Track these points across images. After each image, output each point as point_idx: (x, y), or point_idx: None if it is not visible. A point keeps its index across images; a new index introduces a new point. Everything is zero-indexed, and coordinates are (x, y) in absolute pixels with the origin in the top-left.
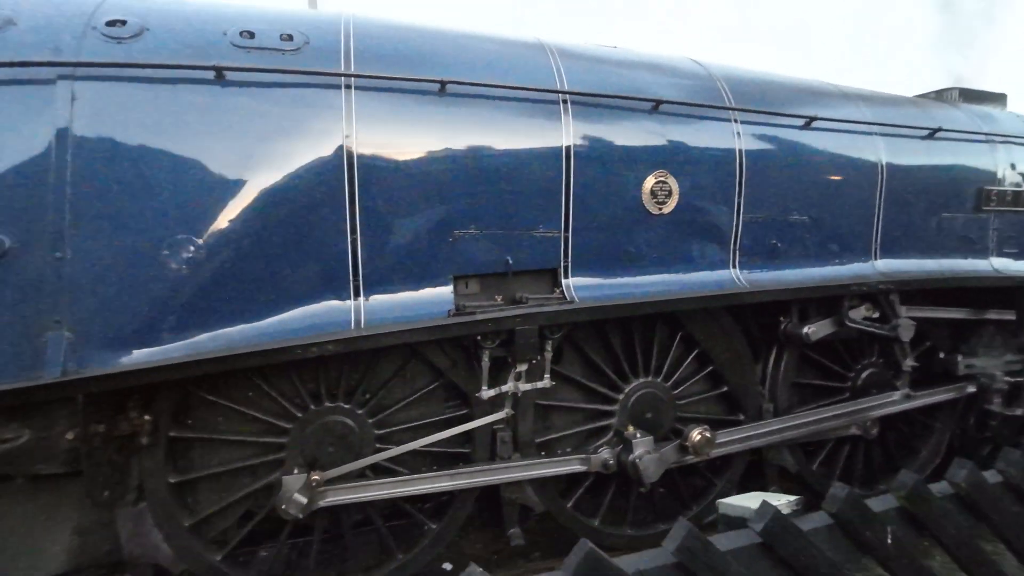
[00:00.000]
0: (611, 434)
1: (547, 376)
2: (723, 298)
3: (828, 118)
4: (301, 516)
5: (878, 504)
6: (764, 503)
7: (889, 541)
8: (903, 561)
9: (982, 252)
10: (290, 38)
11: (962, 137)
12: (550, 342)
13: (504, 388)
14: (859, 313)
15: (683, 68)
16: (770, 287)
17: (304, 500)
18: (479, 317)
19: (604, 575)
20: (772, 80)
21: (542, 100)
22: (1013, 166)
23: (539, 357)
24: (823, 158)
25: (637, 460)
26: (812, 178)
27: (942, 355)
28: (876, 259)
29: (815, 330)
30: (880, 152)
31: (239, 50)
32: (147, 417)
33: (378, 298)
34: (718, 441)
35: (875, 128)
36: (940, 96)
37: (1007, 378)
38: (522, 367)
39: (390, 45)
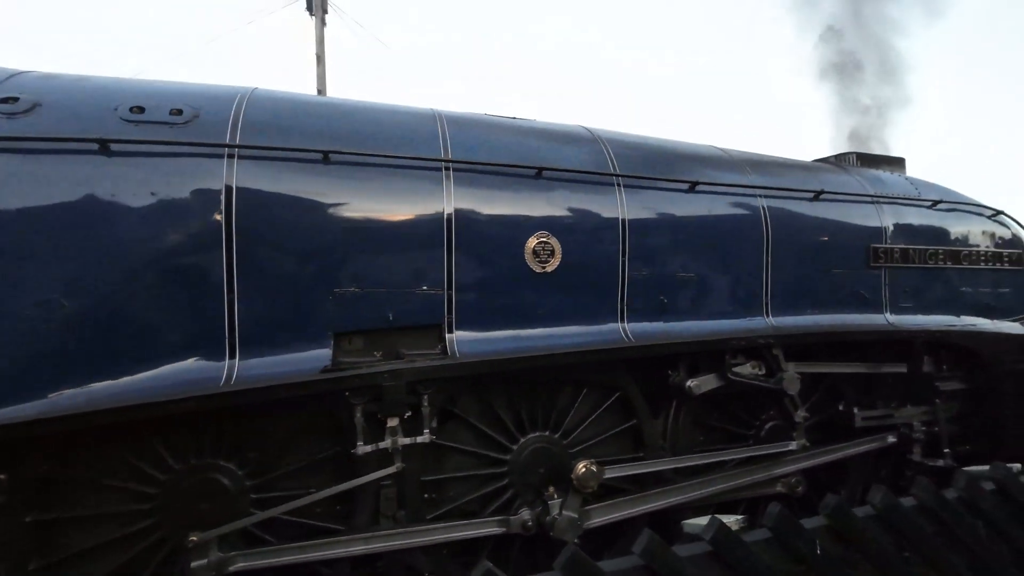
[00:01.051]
0: (509, 493)
1: (427, 431)
2: (593, 354)
3: (711, 182)
4: None
5: (809, 522)
6: (713, 518)
7: (818, 552)
8: (830, 569)
9: (876, 307)
10: (179, 112)
11: (847, 199)
12: (426, 396)
13: (381, 445)
14: (746, 368)
15: (572, 135)
16: (653, 341)
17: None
18: (344, 373)
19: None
20: (659, 146)
21: (425, 167)
22: (899, 225)
23: (408, 413)
24: (708, 219)
25: (556, 518)
26: (698, 238)
27: (841, 408)
28: (768, 315)
29: (698, 384)
30: (765, 213)
31: (128, 124)
32: (2, 476)
33: (254, 357)
34: (608, 475)
35: (759, 191)
36: (839, 160)
37: (924, 428)
38: (392, 422)
39: (280, 117)
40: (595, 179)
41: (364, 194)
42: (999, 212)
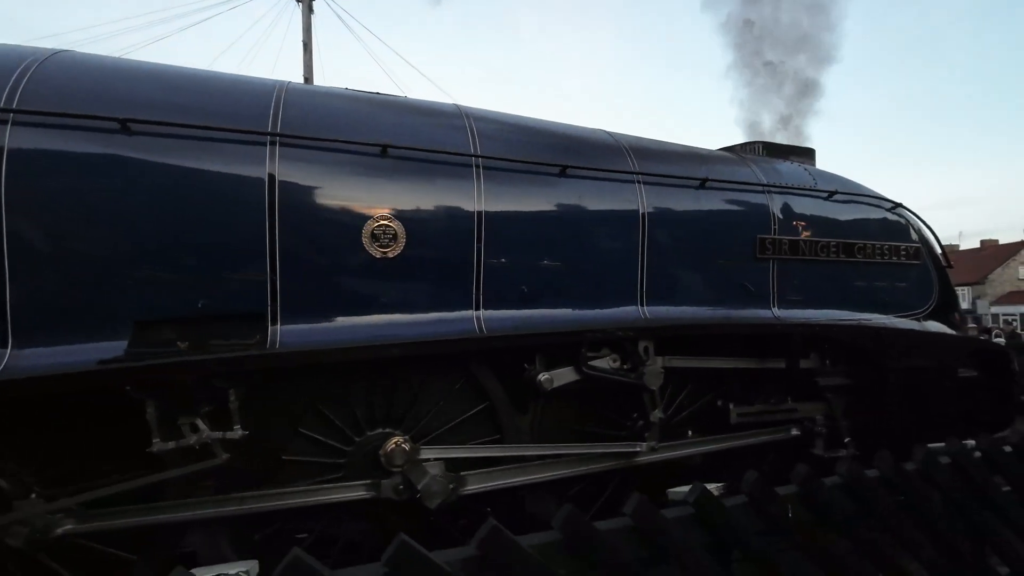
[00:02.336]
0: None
1: (237, 427)
2: (422, 346)
3: (585, 167)
4: None
5: (783, 490)
6: (696, 484)
7: (789, 515)
8: (800, 532)
9: (763, 301)
10: None
11: (735, 188)
12: (232, 391)
13: (183, 442)
14: (605, 362)
15: (436, 110)
16: (512, 332)
17: None
18: (114, 367)
19: (419, 565)
20: (535, 128)
21: (248, 142)
22: (790, 216)
23: (207, 409)
24: (579, 206)
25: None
26: (567, 225)
27: (719, 403)
28: (643, 306)
29: (549, 378)
30: (642, 201)
31: None
32: None
33: (33, 346)
34: (424, 456)
35: (638, 177)
36: (743, 149)
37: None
38: (193, 419)
39: (75, 81)
40: (451, 159)
41: (173, 166)
42: (898, 205)
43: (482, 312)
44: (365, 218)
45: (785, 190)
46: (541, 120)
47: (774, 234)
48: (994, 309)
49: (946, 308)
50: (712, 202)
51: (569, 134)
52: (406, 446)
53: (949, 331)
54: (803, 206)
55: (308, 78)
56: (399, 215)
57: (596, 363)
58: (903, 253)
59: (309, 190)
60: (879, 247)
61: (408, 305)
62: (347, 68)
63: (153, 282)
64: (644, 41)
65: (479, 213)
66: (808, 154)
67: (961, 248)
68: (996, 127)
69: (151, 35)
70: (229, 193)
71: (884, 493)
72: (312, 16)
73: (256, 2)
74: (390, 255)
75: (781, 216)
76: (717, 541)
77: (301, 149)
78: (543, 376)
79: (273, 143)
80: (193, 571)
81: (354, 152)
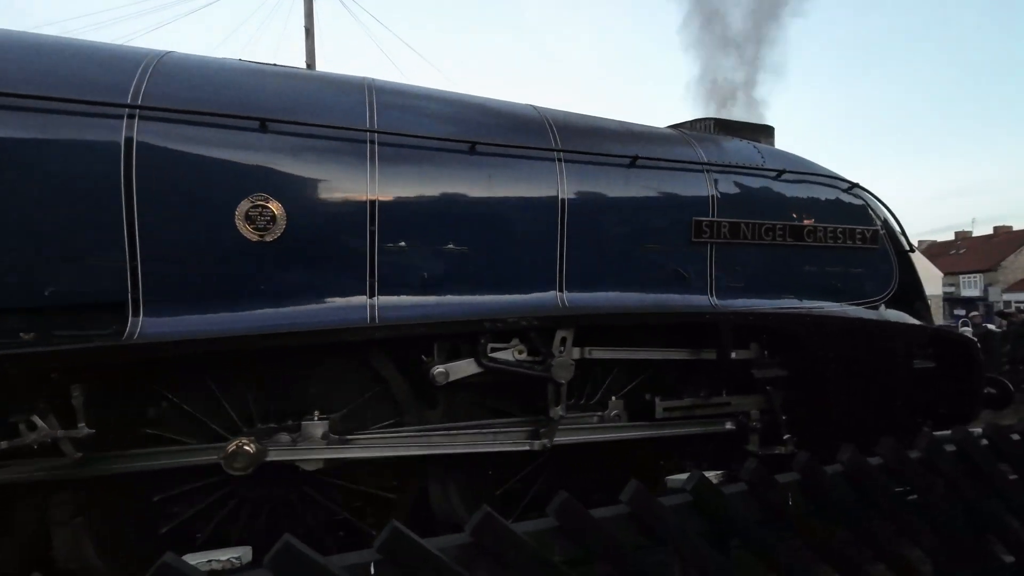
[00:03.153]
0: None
1: (82, 424)
2: (300, 336)
3: (497, 143)
4: None
5: (783, 477)
6: (694, 471)
7: (790, 503)
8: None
9: (699, 287)
10: None
11: (669, 166)
12: (78, 387)
13: (16, 441)
14: (509, 353)
15: (333, 81)
16: (410, 320)
17: None
18: None
19: (412, 552)
20: (437, 98)
21: (101, 114)
22: (731, 197)
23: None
24: (489, 186)
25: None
26: (474, 206)
27: (648, 397)
28: (562, 292)
29: (443, 371)
30: (562, 180)
31: None
32: None
33: None
34: (272, 459)
35: (558, 155)
36: (692, 126)
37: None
38: (21, 416)
39: None
40: (341, 135)
41: (9, 139)
42: (854, 185)
43: (377, 300)
44: (239, 198)
45: (727, 169)
46: (454, 93)
47: (712, 216)
48: (1006, 296)
49: (908, 295)
50: (643, 182)
51: (486, 108)
52: (250, 447)
53: (909, 319)
54: (747, 186)
55: (311, 64)
56: (279, 195)
57: (499, 355)
58: (859, 237)
59: (173, 166)
60: (832, 230)
61: (291, 293)
62: (351, 55)
63: None
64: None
65: (374, 190)
66: (765, 132)
67: (974, 235)
68: (1012, 112)
69: (151, 22)
70: (79, 164)
71: (886, 481)
72: (314, 2)
73: None
74: (268, 238)
75: (721, 197)
76: (716, 529)
77: (164, 123)
78: (437, 369)
79: (132, 116)
80: (185, 557)
81: (227, 126)
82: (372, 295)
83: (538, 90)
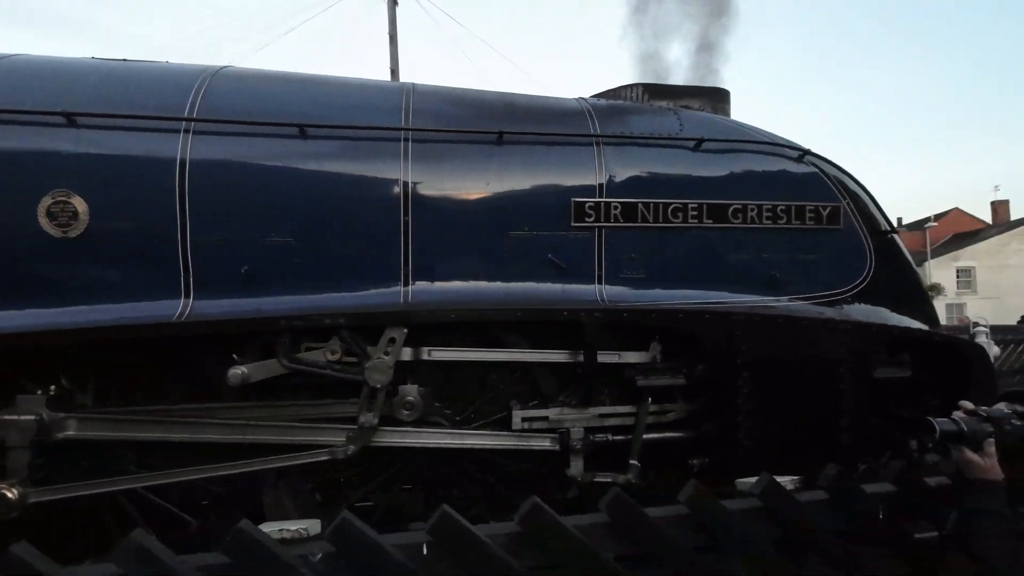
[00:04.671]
0: None
1: None
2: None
3: (330, 124)
4: None
5: (871, 488)
6: (764, 474)
7: (880, 517)
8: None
9: (584, 278)
10: None
11: (546, 140)
12: None
13: None
14: (320, 353)
15: (158, 72)
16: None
17: None
18: None
19: (461, 536)
20: (269, 77)
21: None
22: (627, 173)
23: None
24: (319, 170)
25: None
26: (301, 193)
27: (513, 404)
28: (408, 287)
29: (238, 373)
30: (406, 163)
31: None
32: None
33: None
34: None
35: (403, 135)
36: (615, 94)
37: (595, 437)
38: None
39: None
40: (154, 125)
41: None
42: (806, 153)
43: (192, 300)
44: (42, 193)
45: (625, 141)
46: (292, 73)
47: (601, 195)
48: None
49: (893, 288)
50: (513, 159)
51: (328, 83)
52: (10, 493)
53: (890, 318)
54: (653, 160)
55: (394, 70)
56: (81, 189)
57: (308, 355)
58: (811, 216)
59: None
60: (771, 209)
61: (99, 291)
62: (437, 59)
63: None
64: None
65: (182, 180)
66: (714, 97)
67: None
68: None
69: (253, 43)
70: None
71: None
72: (396, 8)
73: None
74: (71, 235)
75: (612, 174)
76: (787, 537)
77: None
78: (233, 371)
79: None
80: (260, 526)
81: (28, 123)
82: (187, 294)
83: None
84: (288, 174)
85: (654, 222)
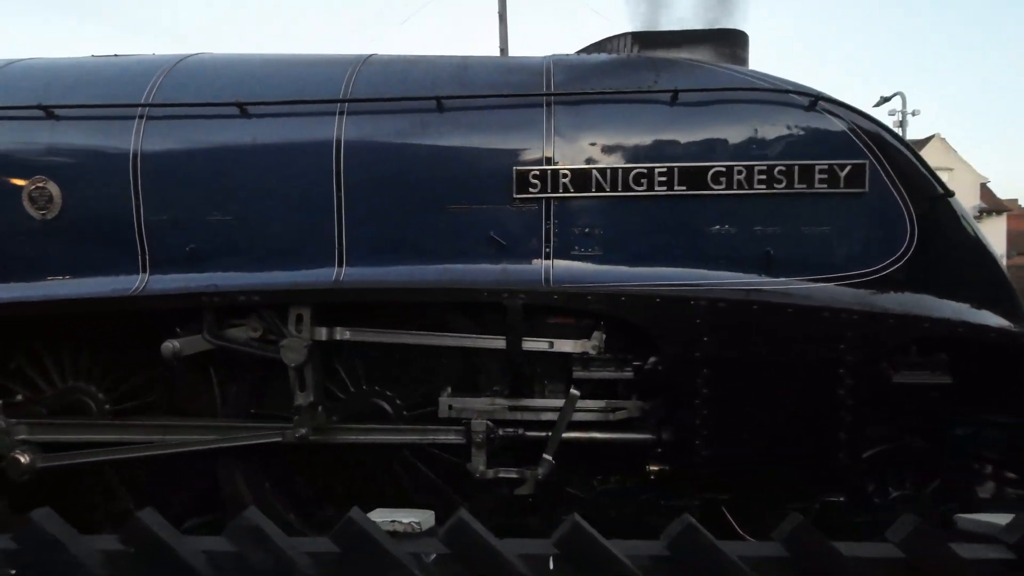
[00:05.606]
0: None
1: None
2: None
3: (267, 102)
4: None
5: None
6: (1018, 516)
7: None
8: None
9: (530, 255)
10: None
11: (485, 104)
12: None
13: None
14: (243, 330)
15: (114, 65)
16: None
17: None
18: None
19: (591, 551)
20: (207, 63)
21: None
22: (582, 135)
23: None
24: (257, 148)
25: None
26: (240, 172)
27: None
28: (343, 266)
29: (171, 346)
30: (340, 136)
31: None
32: None
33: None
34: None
35: (339, 107)
36: (599, 47)
37: (503, 431)
38: None
39: None
40: (112, 113)
41: None
42: (818, 99)
43: (148, 275)
44: (26, 179)
45: (585, 96)
46: (234, 55)
47: (548, 163)
48: None
49: (945, 266)
50: (453, 128)
51: (270, 64)
52: (23, 459)
53: (941, 307)
54: (617, 118)
55: (504, 48)
56: (55, 175)
57: (233, 332)
58: (823, 177)
59: None
60: (765, 170)
61: (80, 268)
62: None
63: None
64: None
65: (136, 162)
66: (725, 42)
67: None
68: None
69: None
70: None
71: None
72: None
73: None
74: (48, 216)
75: (565, 137)
76: None
77: None
78: (166, 345)
79: None
80: (369, 514)
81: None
82: (144, 270)
83: None
84: (228, 152)
85: (612, 191)
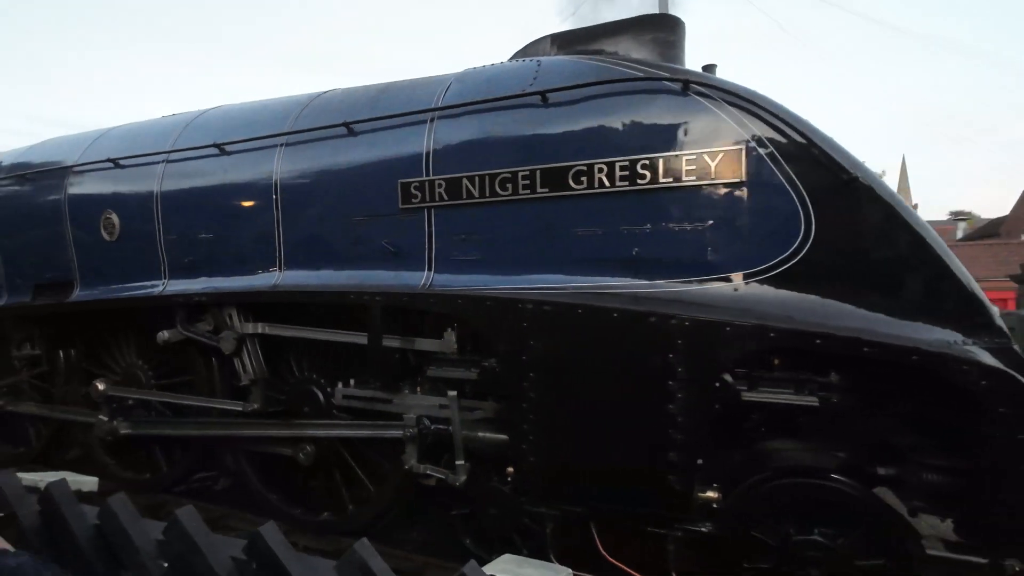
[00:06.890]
0: None
1: None
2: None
3: (239, 139)
4: None
5: None
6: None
7: None
8: None
9: (417, 263)
10: None
11: (380, 125)
12: None
13: None
14: (204, 324)
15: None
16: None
17: None
18: None
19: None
20: (224, 114)
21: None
22: (454, 145)
23: None
24: (227, 178)
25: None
26: (218, 196)
27: (350, 384)
28: (282, 272)
29: (163, 335)
30: (278, 163)
31: None
32: None
33: None
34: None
35: (279, 140)
36: (524, 52)
37: (435, 426)
38: None
39: None
40: (150, 160)
41: None
42: (690, 82)
43: (167, 282)
44: (101, 212)
45: (457, 111)
46: (234, 105)
47: (427, 174)
48: None
49: (858, 261)
50: (359, 148)
51: (244, 111)
52: (100, 386)
53: (840, 311)
54: (490, 125)
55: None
56: (117, 209)
57: (199, 325)
58: (690, 169)
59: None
60: (627, 166)
61: (126, 278)
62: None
63: None
64: None
65: (158, 196)
66: (650, 29)
67: None
68: None
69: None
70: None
71: None
72: None
73: None
74: (113, 239)
75: (440, 149)
76: None
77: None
78: (160, 334)
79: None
80: (487, 567)
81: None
82: (163, 277)
83: None
84: (212, 182)
85: (480, 197)
